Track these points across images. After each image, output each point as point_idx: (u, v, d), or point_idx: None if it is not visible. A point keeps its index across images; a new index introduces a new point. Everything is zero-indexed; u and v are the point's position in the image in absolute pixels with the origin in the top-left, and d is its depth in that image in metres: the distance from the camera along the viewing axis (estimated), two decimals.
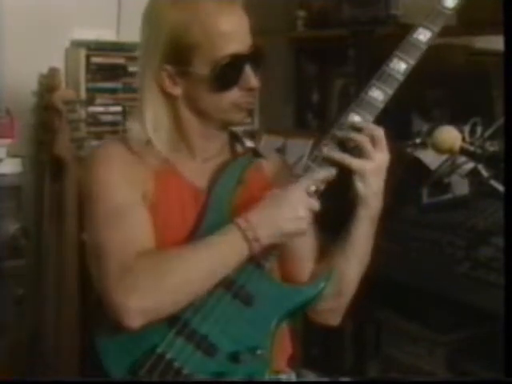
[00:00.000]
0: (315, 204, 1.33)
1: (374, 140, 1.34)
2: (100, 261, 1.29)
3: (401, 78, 1.38)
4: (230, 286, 1.32)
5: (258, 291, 1.33)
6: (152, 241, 1.33)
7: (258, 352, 1.29)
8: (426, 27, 1.40)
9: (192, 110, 1.41)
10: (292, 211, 1.31)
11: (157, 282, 1.25)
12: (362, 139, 1.34)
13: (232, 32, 1.34)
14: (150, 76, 1.37)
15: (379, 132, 1.34)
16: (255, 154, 1.50)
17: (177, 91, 1.39)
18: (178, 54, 1.35)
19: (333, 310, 1.47)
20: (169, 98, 1.40)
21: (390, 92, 1.37)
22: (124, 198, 1.34)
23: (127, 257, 1.27)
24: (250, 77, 1.38)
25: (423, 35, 1.39)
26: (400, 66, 1.38)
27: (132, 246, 1.29)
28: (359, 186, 1.36)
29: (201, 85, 1.37)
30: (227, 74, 1.35)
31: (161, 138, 1.39)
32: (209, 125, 1.42)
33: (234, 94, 1.38)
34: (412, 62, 1.38)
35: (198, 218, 1.39)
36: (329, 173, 1.35)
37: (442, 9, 1.41)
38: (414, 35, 1.39)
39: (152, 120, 1.38)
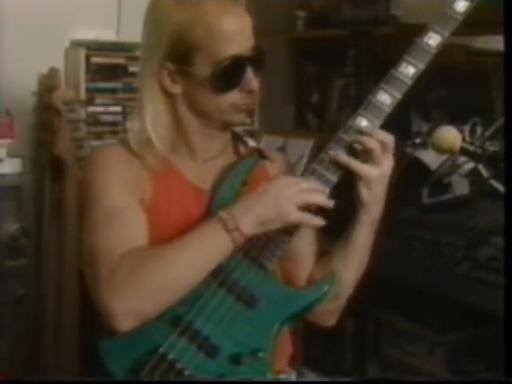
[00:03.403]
0: (309, 198, 1.31)
1: (382, 147, 1.34)
2: (90, 263, 1.29)
3: (409, 82, 1.36)
4: (233, 288, 1.32)
5: (261, 293, 1.33)
6: (145, 242, 1.32)
7: (260, 354, 1.28)
8: (436, 31, 1.38)
9: (191, 110, 1.41)
10: (272, 200, 1.29)
11: (140, 282, 1.24)
12: (373, 145, 1.33)
13: (234, 33, 1.33)
14: (151, 74, 1.37)
15: (389, 139, 1.34)
16: (260, 155, 1.50)
17: (176, 90, 1.38)
18: (180, 53, 1.35)
19: (330, 311, 1.47)
20: (168, 96, 1.39)
21: (398, 96, 1.36)
22: (119, 200, 1.34)
23: (114, 258, 1.26)
24: (251, 79, 1.37)
25: (433, 39, 1.38)
26: (409, 70, 1.37)
27: (121, 248, 1.28)
28: (363, 191, 1.36)
29: (201, 85, 1.36)
30: (228, 75, 1.35)
31: (160, 136, 1.38)
32: (208, 125, 1.42)
33: (233, 96, 1.38)
34: (421, 66, 1.37)
35: (202, 219, 1.37)
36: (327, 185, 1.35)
37: (453, 13, 1.39)
38: (424, 39, 1.38)
39: (151, 118, 1.38)
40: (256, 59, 1.38)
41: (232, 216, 1.28)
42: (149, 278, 1.25)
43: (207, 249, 1.29)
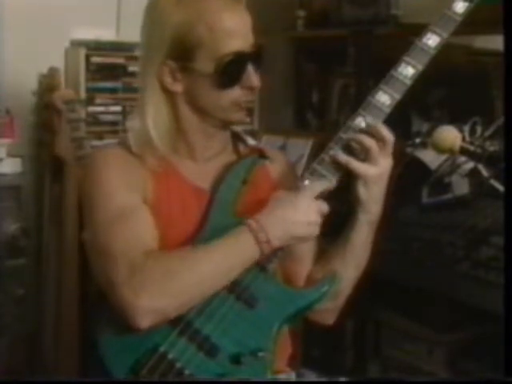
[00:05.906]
0: (325, 207, 1.34)
1: (381, 144, 1.34)
2: (108, 262, 1.29)
3: (408, 82, 1.37)
4: (234, 288, 1.32)
5: (261, 294, 1.33)
6: (156, 240, 1.33)
7: (260, 354, 1.29)
8: (435, 32, 1.39)
9: (192, 108, 1.41)
10: (304, 215, 1.31)
11: (167, 282, 1.25)
12: (369, 143, 1.33)
13: (235, 29, 1.34)
14: (152, 73, 1.37)
15: (389, 137, 1.34)
16: (260, 154, 1.50)
17: (177, 88, 1.39)
18: (182, 51, 1.35)
19: (329, 310, 1.48)
20: (169, 95, 1.40)
21: (398, 97, 1.37)
22: (125, 200, 1.34)
23: (135, 256, 1.27)
24: (252, 75, 1.38)
25: (432, 40, 1.38)
26: (408, 70, 1.37)
27: (139, 245, 1.29)
28: (361, 191, 1.36)
29: (202, 82, 1.37)
30: (230, 71, 1.35)
31: (160, 136, 1.39)
32: (208, 123, 1.42)
33: (234, 93, 1.38)
34: (420, 67, 1.37)
35: (202, 219, 1.39)
36: (332, 181, 1.36)
37: (452, 14, 1.39)
38: (423, 40, 1.39)
39: (153, 117, 1.38)
40: (256, 56, 1.39)
41: (262, 228, 1.29)
42: (176, 278, 1.26)
43: (237, 256, 1.30)
